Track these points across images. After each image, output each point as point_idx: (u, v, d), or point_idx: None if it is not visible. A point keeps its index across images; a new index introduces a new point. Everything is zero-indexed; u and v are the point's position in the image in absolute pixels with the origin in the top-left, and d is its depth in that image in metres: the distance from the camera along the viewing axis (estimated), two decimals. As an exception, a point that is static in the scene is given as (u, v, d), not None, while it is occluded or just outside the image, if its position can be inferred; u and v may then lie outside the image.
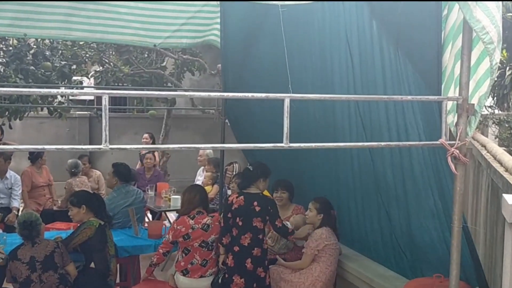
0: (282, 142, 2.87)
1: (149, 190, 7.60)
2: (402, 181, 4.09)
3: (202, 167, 8.02)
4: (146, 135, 9.00)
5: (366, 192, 4.67)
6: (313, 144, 3.06)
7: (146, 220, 7.14)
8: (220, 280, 4.77)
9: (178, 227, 4.78)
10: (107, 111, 2.64)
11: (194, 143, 8.71)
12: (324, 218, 4.83)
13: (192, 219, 4.80)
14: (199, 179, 7.94)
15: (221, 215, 4.87)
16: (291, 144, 2.87)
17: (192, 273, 4.78)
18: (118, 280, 5.43)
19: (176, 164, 11.61)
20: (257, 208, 4.64)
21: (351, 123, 4.48)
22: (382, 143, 3.47)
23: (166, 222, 7.16)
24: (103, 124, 2.65)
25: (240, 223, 4.65)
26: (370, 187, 4.55)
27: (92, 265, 4.87)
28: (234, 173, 6.84)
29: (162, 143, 10.25)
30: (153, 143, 8.97)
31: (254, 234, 4.64)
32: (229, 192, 6.75)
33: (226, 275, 4.70)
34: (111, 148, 2.68)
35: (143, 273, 5.24)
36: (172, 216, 7.99)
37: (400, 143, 3.62)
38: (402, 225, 4.29)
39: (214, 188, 7.22)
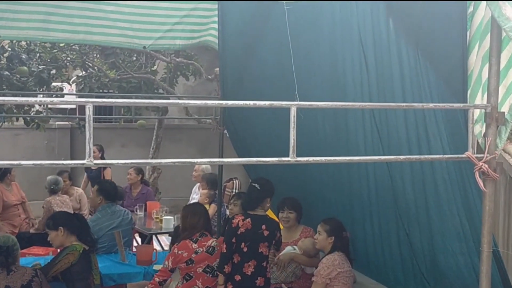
0: (288, 156, 2.88)
1: (137, 210, 7.60)
2: (424, 199, 4.08)
3: (198, 184, 8.04)
4: (93, 148, 8.78)
5: (384, 211, 4.66)
6: (323, 158, 3.06)
7: (135, 244, 7.14)
8: None
9: (179, 252, 4.77)
10: (91, 121, 2.66)
11: (189, 157, 8.72)
12: (335, 242, 4.82)
13: (195, 243, 4.82)
14: (195, 197, 7.94)
15: (224, 240, 4.88)
16: (298, 158, 2.88)
17: None
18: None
19: (169, 180, 11.63)
20: (266, 233, 4.65)
21: (366, 134, 4.49)
22: (401, 157, 3.47)
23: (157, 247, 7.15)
24: (87, 137, 2.66)
25: (245, 249, 4.65)
26: (388, 206, 4.55)
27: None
28: (234, 190, 6.84)
29: (152, 157, 10.28)
30: (102, 157, 8.86)
31: (258, 262, 4.63)
32: (227, 212, 6.77)
33: None
34: (95, 164, 2.69)
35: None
36: (163, 239, 8.01)
37: (422, 156, 3.62)
38: (425, 249, 4.28)
39: (212, 208, 7.22)
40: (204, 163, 3.00)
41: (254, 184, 4.86)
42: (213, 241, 4.88)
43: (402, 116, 4.00)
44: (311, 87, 4.80)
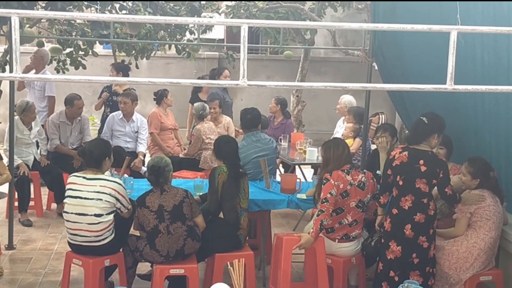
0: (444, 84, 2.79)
1: (281, 141, 7.74)
2: None
3: (343, 118, 8.02)
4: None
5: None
6: (483, 87, 2.94)
7: (278, 173, 7.31)
8: (373, 243, 4.86)
9: (336, 183, 4.81)
10: (246, 43, 2.72)
11: (334, 90, 8.67)
12: (481, 183, 4.72)
13: (348, 174, 4.88)
14: (339, 131, 7.96)
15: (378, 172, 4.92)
16: (456, 86, 2.78)
17: (337, 231, 4.91)
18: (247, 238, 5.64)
19: (312, 114, 11.73)
20: (423, 168, 4.53)
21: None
22: None
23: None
24: (241, 58, 2.73)
25: (401, 183, 4.61)
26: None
27: (221, 215, 5.14)
28: (379, 125, 6.77)
29: (297, 90, 10.34)
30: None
31: (416, 197, 4.56)
32: (373, 146, 6.72)
33: (382, 240, 4.74)
34: (249, 85, 2.77)
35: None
36: (306, 171, 8.13)
37: None
38: None
39: (356, 142, 7.21)
40: (354, 87, 2.98)
41: (422, 118, 4.66)
42: (362, 176, 4.94)
43: None
44: (471, 14, 4.56)
